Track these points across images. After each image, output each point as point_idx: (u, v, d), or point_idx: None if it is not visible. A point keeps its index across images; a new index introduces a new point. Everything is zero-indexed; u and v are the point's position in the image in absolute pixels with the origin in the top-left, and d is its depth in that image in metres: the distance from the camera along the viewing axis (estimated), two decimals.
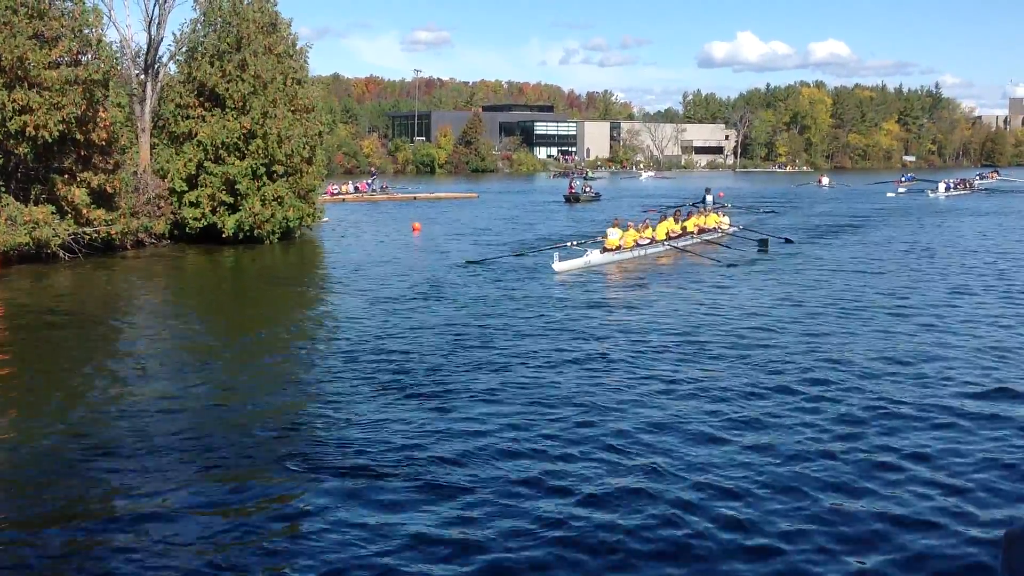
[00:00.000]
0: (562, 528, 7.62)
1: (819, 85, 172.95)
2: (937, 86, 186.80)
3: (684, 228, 31.06)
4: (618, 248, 26.40)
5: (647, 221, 29.25)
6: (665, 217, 30.73)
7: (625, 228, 27.38)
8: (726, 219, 35.60)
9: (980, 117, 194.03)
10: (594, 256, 25.33)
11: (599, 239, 27.55)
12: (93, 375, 13.15)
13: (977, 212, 46.72)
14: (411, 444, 9.69)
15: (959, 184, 65.98)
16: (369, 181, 62.33)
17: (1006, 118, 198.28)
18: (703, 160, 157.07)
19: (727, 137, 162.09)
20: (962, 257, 27.14)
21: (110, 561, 7.13)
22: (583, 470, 8.93)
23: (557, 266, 23.29)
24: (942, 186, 62.66)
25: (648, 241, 28.20)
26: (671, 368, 13.12)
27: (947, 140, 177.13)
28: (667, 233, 29.54)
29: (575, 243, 27.18)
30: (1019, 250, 29.35)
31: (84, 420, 10.76)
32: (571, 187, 58.08)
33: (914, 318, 17.09)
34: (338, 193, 55.42)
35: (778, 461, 9.20)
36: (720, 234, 32.88)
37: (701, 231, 32.06)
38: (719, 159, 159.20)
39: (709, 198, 44.87)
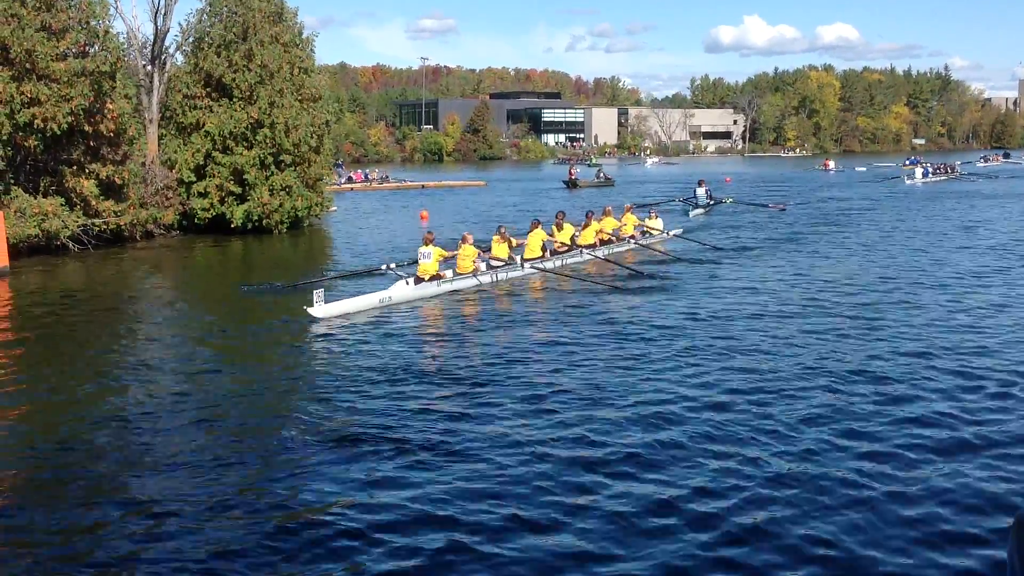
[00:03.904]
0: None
1: (827, 69, 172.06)
2: (946, 68, 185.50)
3: (572, 241, 23.06)
4: (436, 277, 18.69)
5: (502, 231, 21.17)
6: (539, 224, 22.50)
7: (448, 246, 20.34)
8: (657, 222, 27.14)
9: (990, 99, 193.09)
10: (401, 289, 17.88)
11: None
12: (105, 366, 13.21)
13: (947, 197, 45.59)
14: (427, 426, 9.73)
15: (939, 169, 63.93)
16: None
17: (1015, 100, 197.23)
18: (711, 145, 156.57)
19: (735, 122, 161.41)
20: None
21: (122, 551, 7.17)
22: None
23: (317, 310, 15.87)
24: (919, 171, 60.03)
25: (502, 263, 20.39)
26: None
27: (957, 123, 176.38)
28: (543, 247, 21.88)
29: (392, 265, 19.92)
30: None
31: (96, 410, 10.81)
32: (571, 173, 59.30)
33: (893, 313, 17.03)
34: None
35: (762, 451, 9.21)
36: (633, 246, 25.10)
37: (608, 241, 24.40)
38: (727, 144, 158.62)
39: (701, 191, 39.25)
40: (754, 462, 8.75)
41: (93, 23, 25.92)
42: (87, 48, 25.90)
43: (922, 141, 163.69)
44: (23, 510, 7.92)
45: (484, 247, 20.88)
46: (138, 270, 24.20)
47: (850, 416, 10.11)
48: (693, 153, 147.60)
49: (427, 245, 18.87)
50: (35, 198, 24.65)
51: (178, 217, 30.48)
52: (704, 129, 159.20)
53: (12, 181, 24.79)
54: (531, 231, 22.13)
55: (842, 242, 26.96)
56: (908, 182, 57.46)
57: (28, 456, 9.33)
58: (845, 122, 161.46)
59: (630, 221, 25.98)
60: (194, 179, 30.54)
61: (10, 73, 23.68)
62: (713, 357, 12.82)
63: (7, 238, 22.62)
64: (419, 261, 18.88)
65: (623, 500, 7.92)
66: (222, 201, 30.45)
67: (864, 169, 77.15)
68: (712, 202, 39.10)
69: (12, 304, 18.63)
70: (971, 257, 23.37)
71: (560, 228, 23.14)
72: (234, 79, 30.09)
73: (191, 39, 31.98)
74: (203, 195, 30.47)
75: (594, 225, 24.06)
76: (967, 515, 7.61)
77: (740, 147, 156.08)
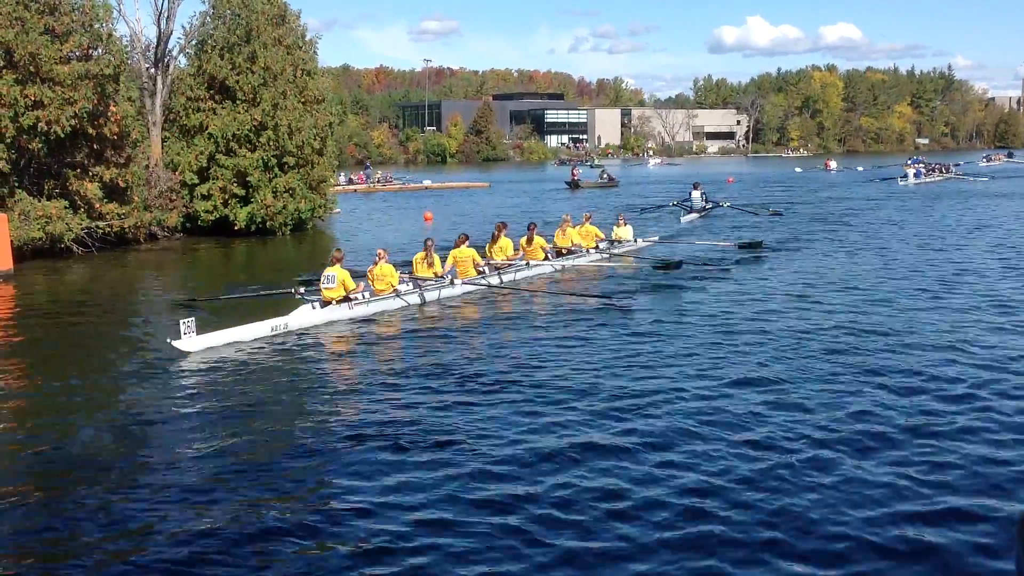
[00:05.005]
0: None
1: (830, 69, 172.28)
2: (949, 68, 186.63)
3: (496, 259, 19.88)
4: (345, 300, 15.99)
5: (429, 246, 18.23)
6: (465, 240, 19.17)
7: (354, 267, 17.67)
8: (626, 230, 25.00)
9: (993, 99, 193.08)
10: (304, 315, 15.41)
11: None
12: (108, 368, 13.21)
13: (937, 197, 44.99)
14: (432, 426, 9.74)
15: (932, 169, 63.44)
16: (364, 172, 63.31)
17: (1019, 99, 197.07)
18: (715, 146, 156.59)
19: (739, 122, 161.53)
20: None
21: (122, 549, 7.18)
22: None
23: (185, 343, 13.44)
24: (911, 172, 59.46)
25: (432, 279, 17.70)
26: None
27: (960, 122, 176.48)
28: (474, 264, 18.98)
29: (302, 290, 16.77)
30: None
31: (99, 412, 10.83)
32: (573, 174, 59.68)
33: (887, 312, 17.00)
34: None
35: (764, 447, 9.21)
36: (596, 258, 22.57)
37: (569, 252, 22.18)
38: (731, 144, 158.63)
39: (696, 194, 36.93)
40: (748, 465, 8.76)
41: (96, 26, 25.97)
42: (91, 51, 25.94)
43: (926, 141, 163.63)
44: (23, 509, 7.94)
45: (403, 268, 18.21)
46: (142, 272, 24.22)
47: (850, 415, 10.10)
48: (696, 154, 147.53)
49: (333, 266, 16.12)
50: (39, 201, 24.69)
51: (182, 219, 30.51)
52: (707, 130, 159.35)
53: (16, 184, 24.83)
54: (456, 247, 18.94)
55: (823, 247, 25.96)
56: (901, 183, 57.25)
57: (29, 456, 9.34)
58: (848, 122, 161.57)
59: (590, 231, 23.29)
60: (197, 181, 30.58)
61: (14, 76, 23.73)
62: (677, 376, 11.81)
63: (11, 241, 22.67)
64: (322, 286, 16.07)
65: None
66: (225, 203, 30.49)
67: (862, 169, 77.63)
68: (709, 206, 37.27)
69: (16, 306, 18.66)
70: (954, 256, 23.33)
71: (495, 241, 20.41)
72: (237, 81, 30.13)
73: (194, 42, 32.04)
74: (207, 197, 30.51)
75: (538, 240, 21.10)
76: (976, 514, 7.60)
77: (743, 147, 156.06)
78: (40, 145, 24.42)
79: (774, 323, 15.08)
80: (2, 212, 23.35)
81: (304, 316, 15.41)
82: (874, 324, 14.89)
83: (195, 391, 11.69)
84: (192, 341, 13.54)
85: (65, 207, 25.01)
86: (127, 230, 27.44)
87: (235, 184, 30.29)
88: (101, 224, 26.21)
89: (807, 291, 18.19)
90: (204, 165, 30.52)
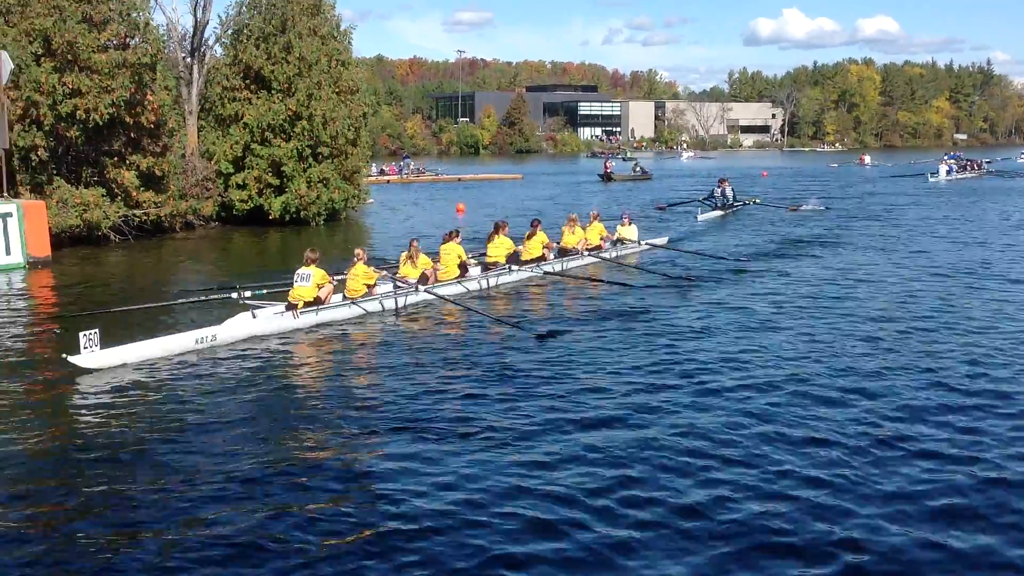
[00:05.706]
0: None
1: (867, 62, 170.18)
2: (988, 62, 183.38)
3: (490, 258, 19.06)
4: (314, 303, 14.79)
5: (414, 246, 17.28)
6: (452, 236, 18.15)
7: (330, 269, 15.83)
8: (631, 230, 23.62)
9: None
10: (238, 325, 13.73)
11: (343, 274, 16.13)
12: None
13: (966, 195, 44.08)
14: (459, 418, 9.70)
15: (967, 165, 62.12)
16: (400, 164, 62.90)
17: None
18: (749, 139, 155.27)
19: (774, 116, 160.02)
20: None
21: (162, 535, 7.20)
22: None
23: (85, 358, 11.68)
24: (943, 168, 58.14)
25: (411, 286, 16.56)
26: None
27: (999, 118, 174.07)
28: (459, 261, 17.86)
29: (248, 294, 15.53)
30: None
31: (125, 398, 10.88)
32: (606, 167, 59.66)
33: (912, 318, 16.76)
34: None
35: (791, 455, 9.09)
36: (593, 261, 21.34)
37: (572, 252, 21.14)
38: (766, 138, 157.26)
39: (719, 190, 34.71)
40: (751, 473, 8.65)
41: (134, 15, 26.18)
42: (128, 40, 26.13)
43: (964, 136, 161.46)
44: (38, 493, 8.01)
45: (391, 267, 17.41)
46: (178, 260, 24.42)
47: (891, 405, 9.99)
48: (731, 147, 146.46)
49: (308, 265, 14.83)
50: (77, 188, 24.93)
51: (217, 208, 30.73)
52: (742, 123, 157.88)
53: (54, 171, 25.08)
54: (445, 241, 18.02)
55: (856, 243, 25.47)
56: (931, 179, 56.29)
57: (54, 436, 9.41)
58: (886, 116, 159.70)
59: (596, 230, 22.14)
60: (232, 171, 30.76)
61: (52, 64, 23.94)
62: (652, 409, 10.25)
63: (49, 228, 22.91)
64: (295, 283, 14.84)
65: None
66: (260, 193, 30.64)
67: (891, 165, 77.19)
68: (737, 204, 35.23)
69: (53, 292, 18.89)
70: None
71: (491, 240, 19.37)
72: (273, 71, 30.25)
73: (230, 31, 32.21)
74: (242, 187, 30.68)
75: (540, 236, 20.04)
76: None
77: (778, 141, 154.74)
78: (78, 133, 24.64)
79: (802, 321, 14.97)
80: (40, 199, 23.60)
81: (238, 327, 13.64)
82: (910, 320, 14.74)
83: (84, 420, 10.16)
84: (94, 356, 11.74)
85: (102, 195, 25.24)
86: (163, 219, 27.65)
87: (270, 174, 30.44)
88: (138, 212, 26.45)
89: (832, 290, 18.04)
90: (239, 155, 30.69)
